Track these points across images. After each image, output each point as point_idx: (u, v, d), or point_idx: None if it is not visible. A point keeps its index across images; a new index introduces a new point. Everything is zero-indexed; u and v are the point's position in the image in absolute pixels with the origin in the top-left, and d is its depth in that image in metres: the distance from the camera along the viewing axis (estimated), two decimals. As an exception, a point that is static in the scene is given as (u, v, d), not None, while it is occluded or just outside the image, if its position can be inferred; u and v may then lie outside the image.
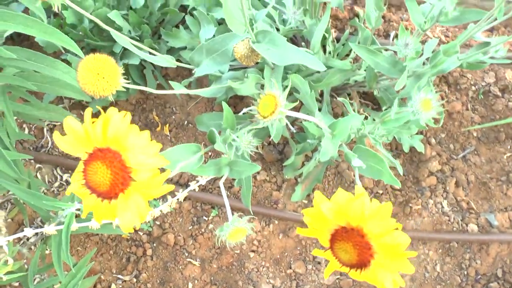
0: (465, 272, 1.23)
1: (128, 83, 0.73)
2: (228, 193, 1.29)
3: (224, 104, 0.94)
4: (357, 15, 1.40)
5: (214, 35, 1.13)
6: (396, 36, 1.39)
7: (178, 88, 1.03)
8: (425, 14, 0.98)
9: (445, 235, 1.22)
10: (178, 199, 1.08)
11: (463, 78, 1.33)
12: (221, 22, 1.23)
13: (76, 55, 1.10)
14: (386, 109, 1.26)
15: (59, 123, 1.38)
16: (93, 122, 0.54)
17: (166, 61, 0.95)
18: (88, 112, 0.54)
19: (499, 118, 1.31)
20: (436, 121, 1.27)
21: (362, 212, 0.53)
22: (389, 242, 0.53)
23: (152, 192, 0.54)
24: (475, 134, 1.32)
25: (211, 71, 0.98)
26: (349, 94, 1.30)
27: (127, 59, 1.21)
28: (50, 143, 1.38)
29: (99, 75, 0.66)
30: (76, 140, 0.55)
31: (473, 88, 1.33)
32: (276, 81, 1.05)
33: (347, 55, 1.31)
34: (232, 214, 1.29)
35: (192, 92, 0.96)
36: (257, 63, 1.24)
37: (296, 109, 1.31)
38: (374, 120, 1.09)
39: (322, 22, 1.11)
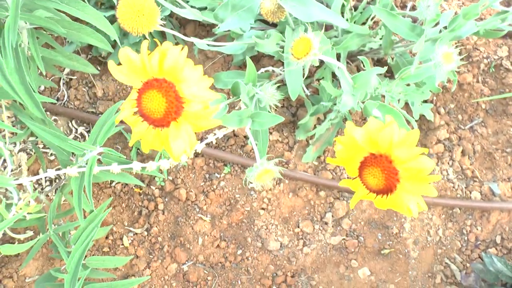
0: (466, 238, 1.28)
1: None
2: (241, 152, 1.32)
3: (248, 59, 0.97)
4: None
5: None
6: (413, 7, 1.42)
7: (200, 45, 1.06)
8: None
9: (449, 200, 1.26)
10: (196, 149, 1.12)
11: (476, 51, 1.36)
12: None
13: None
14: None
15: (75, 77, 1.40)
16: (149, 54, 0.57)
17: (193, 14, 0.97)
18: (145, 44, 0.57)
19: (509, 92, 1.35)
20: (448, 89, 1.31)
21: (391, 139, 0.57)
22: (415, 166, 0.57)
23: (202, 123, 0.57)
24: (483, 106, 1.35)
25: (236, 27, 1.00)
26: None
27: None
28: (66, 96, 1.40)
29: (139, 11, 0.68)
30: (131, 71, 0.58)
31: (485, 61, 1.36)
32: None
33: (364, 23, 1.33)
34: (244, 171, 1.33)
35: (215, 46, 0.98)
36: (275, 25, 1.27)
37: (310, 72, 1.35)
38: (388, 83, 1.12)
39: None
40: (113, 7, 1.35)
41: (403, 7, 1.41)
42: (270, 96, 0.91)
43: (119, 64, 0.60)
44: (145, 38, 0.76)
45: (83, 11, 0.87)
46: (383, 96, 1.01)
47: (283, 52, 1.09)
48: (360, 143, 0.60)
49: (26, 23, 0.91)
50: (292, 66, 0.78)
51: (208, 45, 1.07)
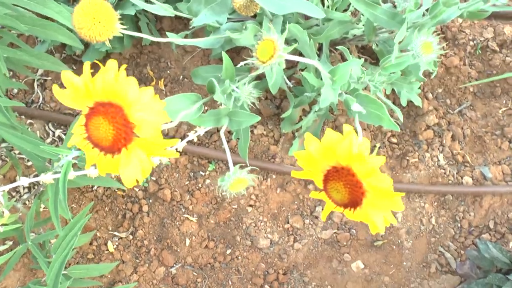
0: (459, 225, 1.25)
1: (121, 36, 0.72)
2: (225, 148, 1.29)
3: (224, 54, 0.93)
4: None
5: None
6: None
7: (174, 38, 1.01)
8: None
9: (441, 187, 1.24)
10: (176, 149, 1.09)
11: (461, 33, 1.33)
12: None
13: (69, 5, 1.08)
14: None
15: (49, 78, 1.36)
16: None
17: (164, 9, 0.93)
18: (87, 65, 0.53)
19: (496, 74, 1.32)
20: (430, 75, 1.28)
21: (350, 151, 0.54)
22: (374, 183, 0.54)
23: (156, 148, 0.54)
24: (471, 89, 1.33)
25: (210, 21, 0.96)
26: (347, 49, 1.29)
27: (122, 9, 1.18)
28: (41, 98, 1.36)
29: (95, 19, 0.65)
30: (76, 94, 0.54)
31: (471, 43, 1.33)
32: (277, 32, 1.03)
33: (345, 9, 1.29)
34: (229, 168, 1.30)
35: (189, 42, 0.94)
36: (254, 16, 1.22)
37: (293, 63, 1.31)
38: (372, 72, 1.09)
39: (321, -28, 1.09)
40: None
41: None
42: (246, 94, 0.88)
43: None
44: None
45: (44, 6, 0.83)
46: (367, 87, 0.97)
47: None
48: (317, 157, 0.56)
49: (-15, 25, 0.87)
50: (259, 70, 0.74)
51: (183, 40, 1.03)
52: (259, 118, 0.85)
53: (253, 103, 0.90)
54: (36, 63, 1.01)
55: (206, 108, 1.31)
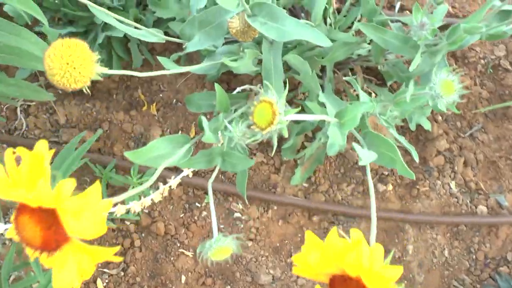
0: (474, 257, 1.16)
1: (111, 58, 0.62)
2: (223, 177, 1.19)
3: (217, 86, 0.84)
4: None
5: (206, 5, 1.02)
6: (401, 8, 1.29)
7: (167, 65, 0.92)
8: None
9: (454, 218, 1.15)
10: (170, 186, 0.99)
11: (471, 51, 1.25)
12: (211, -9, 1.11)
13: (53, 27, 0.99)
14: (394, 86, 1.17)
15: (34, 103, 1.26)
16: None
17: (154, 35, 0.84)
18: (8, 154, 0.43)
19: (509, 94, 1.23)
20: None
21: (359, 263, 0.44)
22: None
23: (94, 256, 0.44)
24: (482, 111, 1.24)
25: (204, 46, 0.87)
26: (351, 69, 1.21)
27: (110, 31, 1.09)
28: (24, 125, 1.26)
29: (69, 65, 0.55)
30: (3, 183, 0.44)
31: (482, 62, 1.24)
32: (276, 57, 0.94)
33: (349, 27, 1.20)
34: (228, 199, 1.20)
35: (182, 69, 0.85)
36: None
37: (294, 85, 1.22)
38: (382, 99, 1.00)
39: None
40: (71, 21, 1.21)
41: (390, 7, 1.29)
42: (240, 135, 0.78)
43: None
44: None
45: (18, 36, 0.74)
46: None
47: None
48: (319, 266, 0.46)
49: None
50: (257, 138, 0.64)
51: (176, 63, 0.94)
52: (253, 162, 0.76)
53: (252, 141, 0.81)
54: (14, 93, 0.91)
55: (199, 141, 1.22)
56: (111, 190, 1.20)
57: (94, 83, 1.22)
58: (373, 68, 1.22)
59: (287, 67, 0.99)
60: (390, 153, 0.72)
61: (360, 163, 0.69)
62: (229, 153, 0.78)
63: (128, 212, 0.88)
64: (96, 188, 0.42)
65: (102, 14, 0.77)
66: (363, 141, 0.79)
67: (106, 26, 1.13)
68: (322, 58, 1.13)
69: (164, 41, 0.86)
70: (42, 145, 0.43)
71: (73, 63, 0.55)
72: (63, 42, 0.55)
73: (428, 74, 0.94)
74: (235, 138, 0.78)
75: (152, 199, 0.89)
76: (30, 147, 1.18)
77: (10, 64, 0.83)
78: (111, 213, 0.85)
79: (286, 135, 0.62)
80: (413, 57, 0.92)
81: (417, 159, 0.82)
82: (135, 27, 0.88)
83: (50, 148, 1.19)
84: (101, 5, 1.11)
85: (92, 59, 0.56)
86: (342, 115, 0.72)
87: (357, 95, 1.16)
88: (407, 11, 1.28)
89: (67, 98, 1.25)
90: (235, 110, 0.94)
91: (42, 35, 1.13)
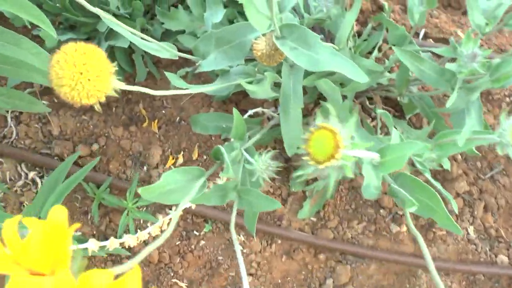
0: (489, 308, 1.07)
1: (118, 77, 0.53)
2: (225, 205, 1.09)
3: (235, 111, 0.74)
4: (382, 8, 1.21)
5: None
6: (425, 35, 1.21)
7: (175, 82, 0.83)
8: (485, 13, 0.79)
9: (471, 266, 1.06)
10: (171, 219, 0.89)
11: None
12: (227, 5, 1.02)
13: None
14: (413, 119, 1.07)
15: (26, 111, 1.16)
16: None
17: (166, 50, 0.74)
18: (10, 224, 0.34)
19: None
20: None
21: None
22: None
23: None
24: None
25: (221, 67, 0.78)
26: (370, 98, 1.12)
27: (114, 40, 1.00)
28: (14, 133, 1.15)
29: (82, 75, 0.45)
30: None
31: (507, 99, 1.16)
32: (296, 82, 0.85)
33: (369, 52, 1.12)
34: (228, 230, 1.11)
35: (192, 90, 0.75)
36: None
37: (307, 110, 1.13)
38: (406, 135, 0.92)
39: (351, 13, 0.91)
40: (72, 27, 1.11)
41: (414, 34, 1.21)
42: (264, 168, 0.69)
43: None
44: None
45: (17, 46, 0.64)
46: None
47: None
48: None
49: None
50: (309, 170, 0.53)
51: (184, 79, 0.85)
52: (279, 204, 0.67)
53: (276, 174, 0.72)
54: (5, 104, 0.81)
55: (201, 162, 1.12)
56: (103, 209, 1.10)
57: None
58: (392, 98, 1.14)
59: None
60: (431, 202, 0.63)
61: (408, 210, 0.60)
62: (248, 191, 0.68)
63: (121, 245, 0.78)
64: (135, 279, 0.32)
65: (110, 22, 0.67)
66: (393, 183, 0.70)
67: (110, 35, 1.04)
68: (341, 84, 1.04)
69: (177, 58, 0.76)
70: (60, 213, 0.33)
71: (87, 73, 0.45)
72: (76, 47, 0.45)
73: (462, 112, 0.85)
74: (257, 172, 0.69)
75: (149, 233, 0.79)
76: (18, 157, 1.08)
77: (6, 75, 0.73)
78: (102, 248, 0.75)
79: (350, 174, 0.52)
80: (446, 91, 0.84)
81: (456, 209, 0.73)
82: (143, 39, 0.79)
83: (40, 161, 1.09)
84: (106, 12, 1.02)
85: (109, 71, 0.47)
86: (383, 154, 0.62)
87: (378, 128, 1.08)
88: (430, 39, 1.20)
89: (63, 108, 1.15)
90: (249, 137, 0.85)
91: (39, 39, 1.04)
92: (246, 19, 1.08)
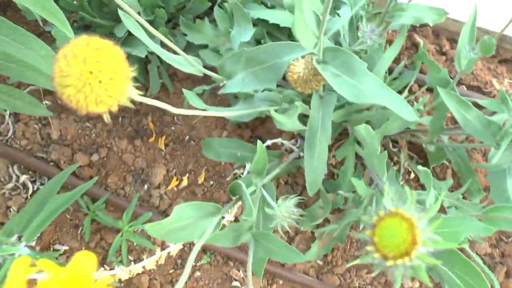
0: None
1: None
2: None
3: (260, 144, 0.65)
4: (416, 45, 1.13)
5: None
6: (459, 82, 1.13)
7: (193, 101, 0.74)
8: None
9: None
10: (169, 252, 0.80)
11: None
12: (255, 24, 0.94)
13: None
14: (436, 170, 0.98)
15: (27, 110, 1.06)
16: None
17: (191, 65, 0.66)
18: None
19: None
20: None
21: None
22: None
23: None
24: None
25: (249, 89, 0.69)
26: (395, 142, 1.03)
27: (131, 48, 0.91)
28: (11, 131, 1.06)
29: (93, 75, 0.36)
30: None
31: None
32: (326, 115, 0.77)
33: (399, 92, 1.04)
34: (228, 263, 1.01)
35: (212, 112, 0.66)
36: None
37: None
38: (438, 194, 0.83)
39: (392, 49, 0.84)
40: (87, 27, 1.03)
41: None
42: (286, 215, 0.60)
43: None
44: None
45: (24, 45, 0.55)
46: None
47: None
48: None
49: None
50: (377, 262, 0.42)
51: (200, 98, 0.76)
52: (304, 258, 0.57)
53: (297, 223, 0.62)
54: (3, 103, 0.72)
55: (209, 190, 1.02)
56: (95, 225, 1.00)
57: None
58: (416, 144, 1.05)
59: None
60: (474, 281, 0.53)
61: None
62: (267, 236, 0.59)
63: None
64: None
65: (133, 25, 0.59)
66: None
67: (126, 41, 0.95)
68: (367, 122, 0.96)
69: (201, 74, 0.68)
70: (86, 262, 0.24)
71: (99, 73, 0.36)
72: (89, 41, 0.36)
73: (503, 172, 0.76)
74: (278, 218, 0.61)
75: (143, 267, 0.70)
76: (11, 158, 0.98)
77: (9, 74, 0.64)
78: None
79: (426, 280, 0.40)
80: (489, 145, 0.75)
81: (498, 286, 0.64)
82: (160, 47, 0.70)
83: (34, 165, 0.99)
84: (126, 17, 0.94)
85: (126, 74, 0.38)
86: (447, 225, 0.53)
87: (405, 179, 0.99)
88: (463, 86, 1.12)
89: (66, 111, 1.06)
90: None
91: (50, 37, 0.95)
92: (275, 40, 1.01)
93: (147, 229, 0.51)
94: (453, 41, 1.14)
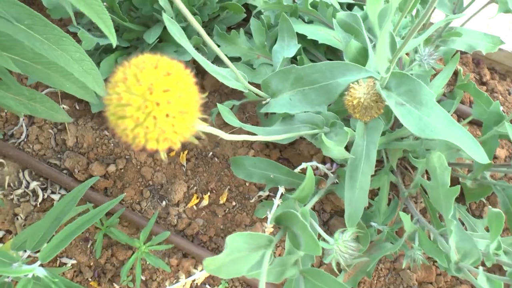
0: None
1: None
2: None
3: (310, 171, 0.58)
4: (456, 73, 1.06)
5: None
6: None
7: (228, 118, 0.67)
8: None
9: None
10: (194, 280, 0.72)
11: None
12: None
13: (90, 31, 0.75)
14: (472, 206, 0.91)
15: (42, 112, 0.99)
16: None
17: (237, 80, 0.58)
18: None
19: None
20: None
21: None
22: None
23: None
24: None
25: (296, 111, 0.61)
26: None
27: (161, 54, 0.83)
28: (24, 134, 0.98)
29: (160, 107, 0.29)
30: None
31: None
32: (371, 144, 0.69)
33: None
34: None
35: (260, 137, 0.58)
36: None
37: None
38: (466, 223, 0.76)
39: (442, 77, 0.77)
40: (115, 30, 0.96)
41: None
42: (344, 250, 0.53)
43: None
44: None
45: (56, 45, 0.47)
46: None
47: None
48: None
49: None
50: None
51: (240, 123, 0.68)
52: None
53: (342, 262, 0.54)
54: (22, 107, 0.64)
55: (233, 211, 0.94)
56: (107, 240, 0.92)
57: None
58: (453, 178, 0.97)
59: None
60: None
61: None
62: (318, 274, 0.52)
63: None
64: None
65: (179, 34, 0.51)
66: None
67: (156, 48, 0.88)
68: (408, 151, 0.89)
69: (245, 91, 0.60)
70: None
71: (168, 106, 0.29)
72: (158, 63, 0.29)
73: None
74: (335, 253, 0.53)
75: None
76: (23, 162, 0.89)
77: (33, 76, 0.56)
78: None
79: None
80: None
81: None
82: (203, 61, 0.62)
83: (46, 171, 0.90)
84: (156, 22, 0.86)
85: (198, 105, 0.31)
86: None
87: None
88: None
89: (84, 117, 0.99)
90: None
91: (75, 38, 0.88)
92: (310, 57, 0.93)
93: (204, 264, 0.44)
94: (494, 70, 1.07)
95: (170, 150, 0.97)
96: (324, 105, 0.60)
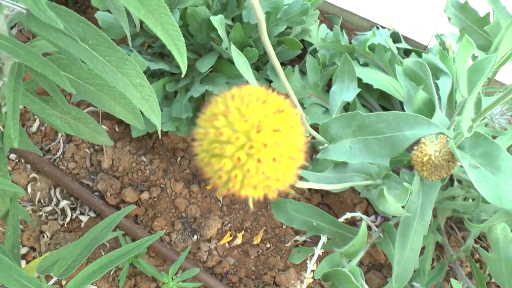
0: None
1: (193, 120, 0.32)
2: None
3: (364, 226, 0.52)
4: None
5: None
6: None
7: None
8: None
9: None
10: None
11: None
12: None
13: (140, 54, 0.72)
14: None
15: (82, 131, 0.96)
16: None
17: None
18: None
19: None
20: None
21: None
22: None
23: None
24: None
25: (356, 160, 0.56)
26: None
27: (214, 86, 0.80)
28: (60, 151, 0.95)
29: (267, 149, 0.24)
30: None
31: None
32: (427, 201, 0.64)
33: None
34: None
35: (312, 185, 0.53)
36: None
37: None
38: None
39: (506, 137, 0.71)
40: (163, 55, 0.93)
41: None
42: None
43: None
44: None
45: (117, 67, 0.43)
46: None
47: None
48: None
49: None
50: None
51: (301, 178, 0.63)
52: None
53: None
54: (67, 127, 0.60)
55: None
56: (131, 269, 0.87)
57: (164, 137, 0.91)
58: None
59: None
60: None
61: None
62: None
63: None
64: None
65: (245, 67, 0.47)
66: None
67: (207, 78, 0.84)
68: (459, 212, 0.82)
69: (307, 134, 0.55)
70: None
71: (277, 148, 0.24)
72: (267, 98, 0.24)
73: None
74: None
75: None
76: (55, 180, 0.84)
77: (83, 98, 0.52)
78: None
79: None
80: None
81: None
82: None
83: (78, 191, 0.86)
84: (213, 52, 0.83)
85: (303, 151, 0.26)
86: None
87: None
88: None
89: (122, 140, 0.95)
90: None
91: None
92: (365, 104, 0.88)
93: None
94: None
95: (207, 182, 0.92)
96: (387, 158, 0.54)
